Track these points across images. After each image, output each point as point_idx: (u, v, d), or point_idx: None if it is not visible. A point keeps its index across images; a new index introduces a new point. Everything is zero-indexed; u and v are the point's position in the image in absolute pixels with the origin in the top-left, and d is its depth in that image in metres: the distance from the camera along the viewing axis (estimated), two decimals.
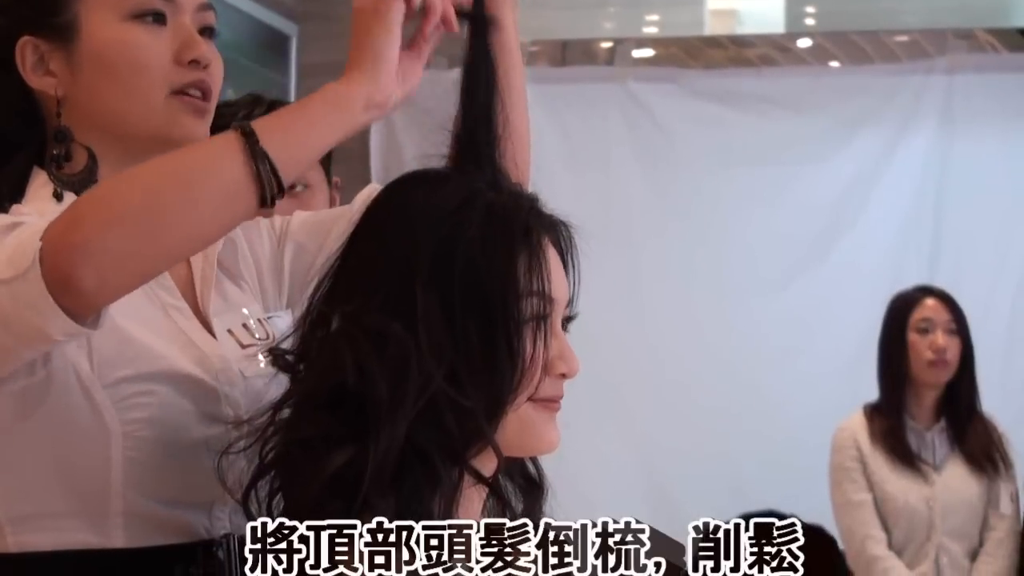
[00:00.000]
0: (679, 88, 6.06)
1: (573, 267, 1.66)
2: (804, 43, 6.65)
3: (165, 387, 1.69)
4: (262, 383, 1.76)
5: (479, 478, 1.57)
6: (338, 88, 1.62)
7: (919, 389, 4.51)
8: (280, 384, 1.73)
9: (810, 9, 6.34)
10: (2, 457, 1.68)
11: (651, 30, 6.57)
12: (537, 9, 6.06)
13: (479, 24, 1.74)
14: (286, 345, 1.63)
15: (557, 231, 1.65)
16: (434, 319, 1.53)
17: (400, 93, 1.66)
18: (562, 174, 5.60)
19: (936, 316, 4.54)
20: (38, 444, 1.66)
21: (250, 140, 1.53)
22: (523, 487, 1.69)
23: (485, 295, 1.54)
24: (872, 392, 4.56)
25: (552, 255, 1.61)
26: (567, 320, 1.64)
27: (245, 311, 1.86)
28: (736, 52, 6.84)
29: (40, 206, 1.73)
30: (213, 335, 1.79)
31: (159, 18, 1.77)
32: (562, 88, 6.09)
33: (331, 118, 1.61)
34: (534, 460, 1.70)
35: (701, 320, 5.84)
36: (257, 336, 1.83)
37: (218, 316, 1.81)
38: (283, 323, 1.87)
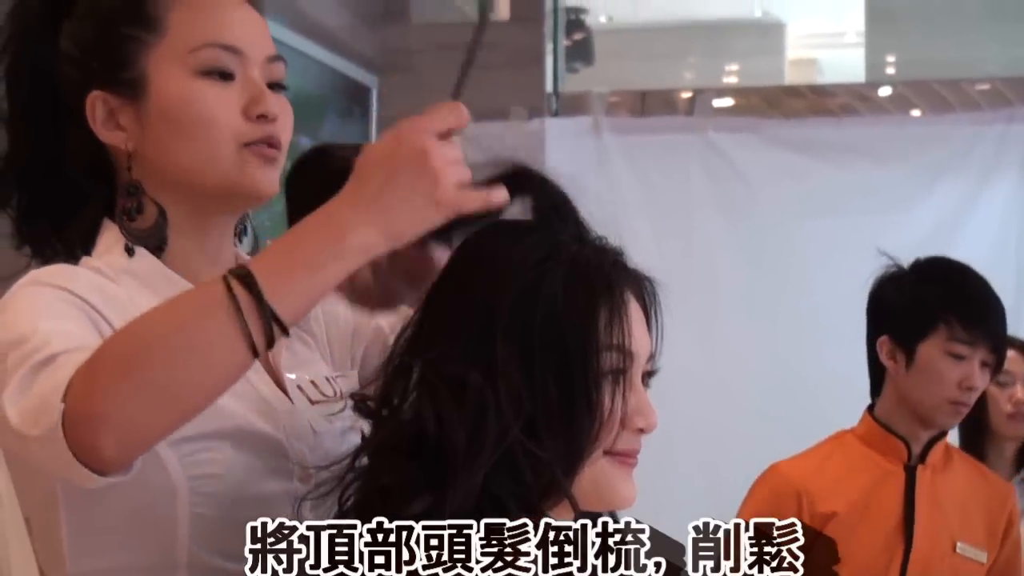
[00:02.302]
0: (759, 138, 6.04)
1: (656, 322, 1.65)
2: (885, 92, 6.64)
3: (231, 443, 1.68)
4: (331, 440, 1.77)
5: None
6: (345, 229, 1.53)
7: (998, 440, 4.45)
8: (350, 442, 1.74)
9: (890, 58, 6.34)
10: (68, 514, 1.68)
11: (731, 80, 6.60)
12: (617, 60, 6.08)
13: None
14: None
15: (640, 286, 1.64)
16: (513, 370, 1.53)
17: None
18: (642, 224, 5.60)
19: (1016, 369, 4.48)
20: (104, 501, 1.65)
21: (261, 306, 1.48)
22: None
23: (565, 347, 1.54)
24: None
25: (634, 309, 1.61)
26: (648, 375, 1.64)
27: (314, 368, 1.85)
28: (816, 101, 6.83)
29: (110, 259, 1.74)
30: (283, 389, 1.79)
31: (227, 75, 1.76)
32: (642, 138, 6.09)
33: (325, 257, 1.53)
34: (612, 514, 1.70)
35: (783, 369, 5.80)
36: (325, 394, 1.83)
37: (288, 371, 1.81)
38: (349, 383, 1.87)
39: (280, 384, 1.79)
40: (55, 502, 1.68)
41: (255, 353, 1.48)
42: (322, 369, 1.87)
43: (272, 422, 1.73)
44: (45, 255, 1.81)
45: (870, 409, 3.53)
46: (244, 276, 1.48)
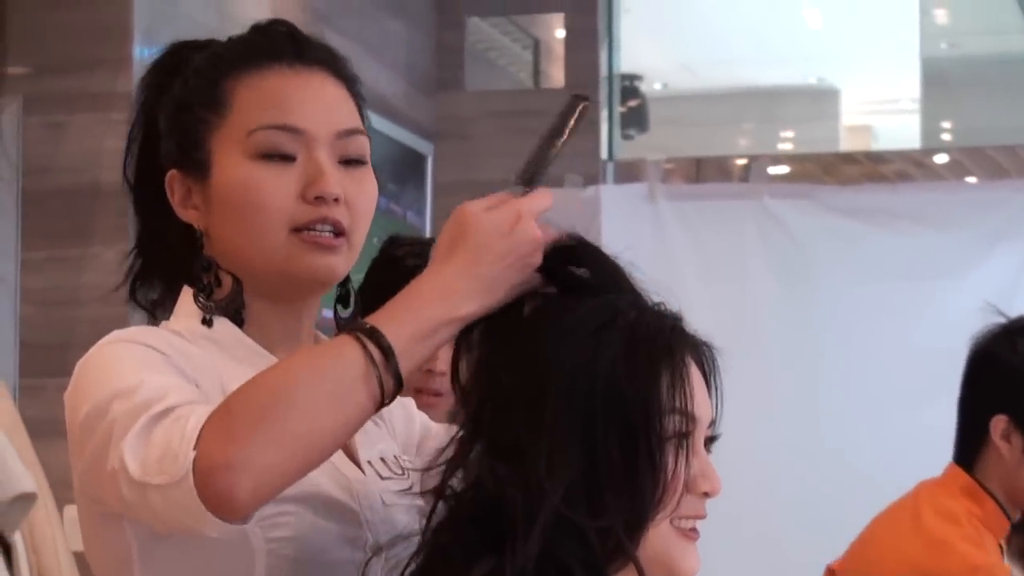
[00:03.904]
0: (814, 204, 6.03)
1: (716, 388, 1.66)
2: (940, 159, 6.64)
3: (308, 508, 1.70)
4: (400, 512, 1.79)
5: None
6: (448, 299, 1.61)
7: None
8: (416, 516, 1.75)
9: (946, 124, 6.34)
10: (147, 574, 1.70)
11: (786, 146, 6.60)
12: (672, 127, 6.10)
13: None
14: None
15: (700, 351, 1.65)
16: (573, 434, 1.54)
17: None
18: (698, 289, 5.60)
19: None
20: (183, 560, 1.67)
21: (388, 357, 1.56)
22: None
23: (627, 411, 1.55)
24: None
25: (695, 374, 1.62)
26: (710, 440, 1.64)
27: (382, 446, 1.87)
28: (871, 168, 6.84)
29: (189, 324, 1.77)
30: (356, 463, 1.81)
31: (287, 157, 1.76)
32: (697, 205, 6.10)
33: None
34: None
35: (837, 436, 5.77)
36: (393, 471, 1.85)
37: (361, 447, 1.83)
38: (414, 464, 1.89)
39: (354, 459, 1.81)
40: (131, 564, 1.70)
41: (379, 406, 1.56)
42: (391, 448, 1.90)
43: (348, 492, 1.75)
44: (156, 317, 1.88)
45: (975, 479, 3.30)
46: (373, 333, 1.56)
